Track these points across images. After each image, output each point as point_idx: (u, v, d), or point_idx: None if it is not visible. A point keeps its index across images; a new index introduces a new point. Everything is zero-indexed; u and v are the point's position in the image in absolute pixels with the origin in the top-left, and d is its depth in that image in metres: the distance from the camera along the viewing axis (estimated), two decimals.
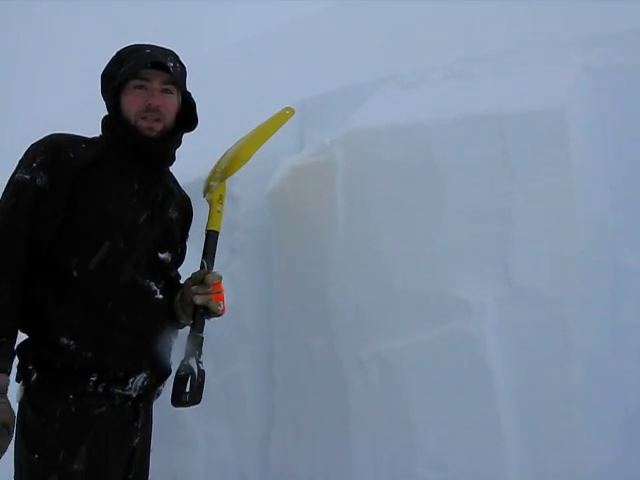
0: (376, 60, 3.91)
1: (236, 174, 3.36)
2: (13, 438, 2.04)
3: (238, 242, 3.38)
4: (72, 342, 2.04)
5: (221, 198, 2.53)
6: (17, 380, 2.12)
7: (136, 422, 2.22)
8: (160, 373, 2.26)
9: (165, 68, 2.23)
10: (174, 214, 2.36)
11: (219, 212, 2.49)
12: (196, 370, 2.19)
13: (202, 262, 2.36)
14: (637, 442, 2.81)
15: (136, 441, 2.22)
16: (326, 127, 3.41)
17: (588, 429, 2.60)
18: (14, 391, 2.11)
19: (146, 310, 2.20)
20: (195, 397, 2.19)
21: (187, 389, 2.19)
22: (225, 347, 3.29)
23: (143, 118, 2.21)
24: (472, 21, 3.87)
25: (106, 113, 2.33)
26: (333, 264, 3.01)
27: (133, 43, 2.31)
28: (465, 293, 2.73)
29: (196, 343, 2.23)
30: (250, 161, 3.42)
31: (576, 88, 2.95)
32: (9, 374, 2.03)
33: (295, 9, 5.40)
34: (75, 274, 2.07)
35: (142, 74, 2.21)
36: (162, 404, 3.11)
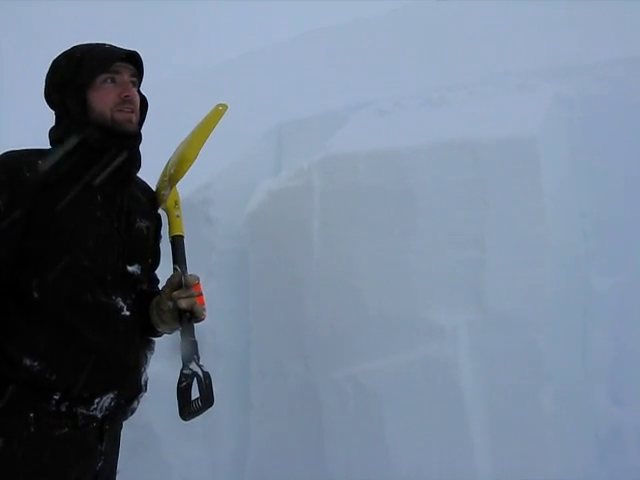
0: (353, 86, 3.96)
1: (212, 196, 3.40)
2: None
3: (215, 264, 3.40)
4: (36, 363, 1.95)
5: (177, 203, 2.44)
6: None
7: (100, 445, 2.08)
8: (130, 392, 2.17)
9: (132, 60, 2.19)
10: (143, 223, 2.26)
11: (178, 217, 2.40)
12: (201, 373, 2.13)
13: (175, 268, 2.27)
14: (608, 463, 2.85)
15: (99, 465, 2.09)
16: (303, 152, 3.45)
17: (559, 450, 2.64)
18: None
19: (112, 329, 2.09)
20: (207, 400, 2.12)
21: (192, 398, 2.14)
22: None
23: (119, 111, 2.12)
24: (448, 49, 3.93)
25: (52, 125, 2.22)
26: (309, 287, 3.05)
27: (75, 45, 2.22)
28: (438, 317, 2.77)
29: (192, 348, 2.16)
30: (228, 184, 3.46)
31: (549, 117, 3.02)
32: None
33: (274, 34, 5.46)
34: (36, 295, 1.99)
35: (112, 67, 2.14)
36: (137, 425, 3.12)
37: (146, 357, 2.32)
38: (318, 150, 3.21)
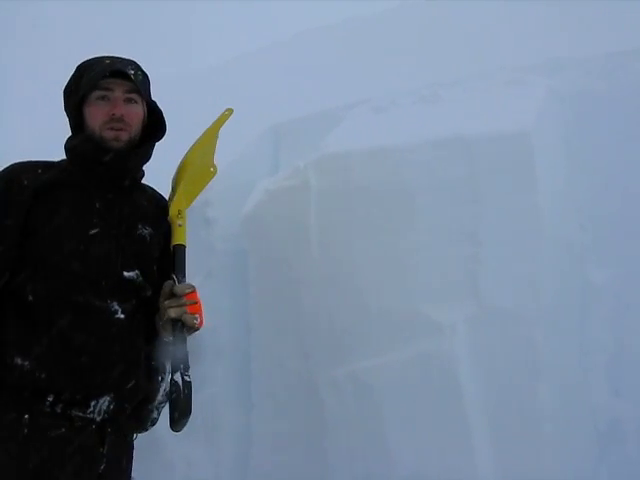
0: (348, 85, 3.98)
1: (210, 197, 3.42)
2: None
3: (214, 265, 3.41)
4: (26, 362, 1.99)
5: (180, 212, 2.41)
6: None
7: (101, 448, 2.10)
8: (130, 396, 2.17)
9: (126, 76, 2.17)
10: (146, 230, 2.28)
11: (180, 226, 2.37)
12: (180, 382, 2.10)
13: (172, 277, 2.25)
14: (607, 457, 2.86)
15: (102, 468, 2.09)
16: (300, 151, 3.46)
17: (558, 445, 2.65)
18: None
19: (102, 331, 2.10)
20: (184, 410, 2.09)
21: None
22: (202, 369, 3.31)
23: (109, 129, 2.15)
24: (441, 46, 3.95)
25: (69, 134, 2.28)
26: (307, 285, 3.06)
27: (94, 56, 2.25)
28: (436, 313, 2.78)
29: (180, 358, 2.15)
30: (225, 185, 3.47)
31: (542, 112, 3.03)
32: None
33: (269, 35, 5.48)
34: (30, 298, 2.04)
35: (103, 84, 2.15)
36: None
37: (157, 362, 2.30)
38: (314, 149, 3.22)
